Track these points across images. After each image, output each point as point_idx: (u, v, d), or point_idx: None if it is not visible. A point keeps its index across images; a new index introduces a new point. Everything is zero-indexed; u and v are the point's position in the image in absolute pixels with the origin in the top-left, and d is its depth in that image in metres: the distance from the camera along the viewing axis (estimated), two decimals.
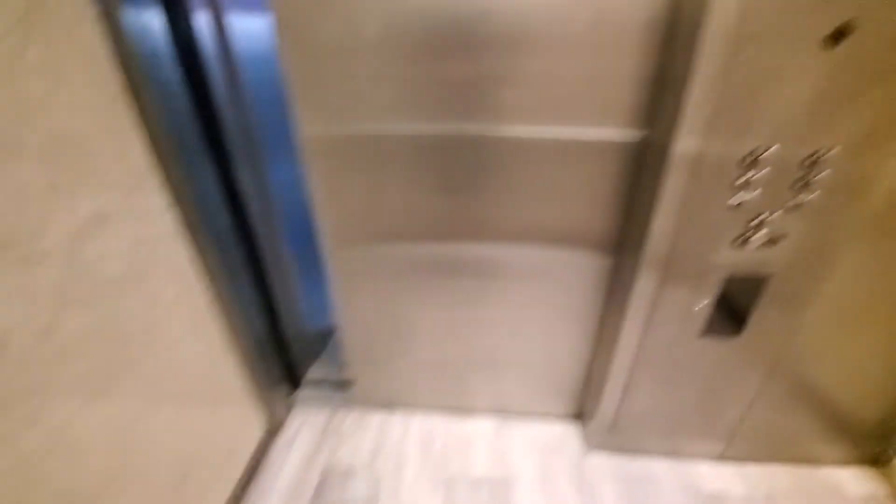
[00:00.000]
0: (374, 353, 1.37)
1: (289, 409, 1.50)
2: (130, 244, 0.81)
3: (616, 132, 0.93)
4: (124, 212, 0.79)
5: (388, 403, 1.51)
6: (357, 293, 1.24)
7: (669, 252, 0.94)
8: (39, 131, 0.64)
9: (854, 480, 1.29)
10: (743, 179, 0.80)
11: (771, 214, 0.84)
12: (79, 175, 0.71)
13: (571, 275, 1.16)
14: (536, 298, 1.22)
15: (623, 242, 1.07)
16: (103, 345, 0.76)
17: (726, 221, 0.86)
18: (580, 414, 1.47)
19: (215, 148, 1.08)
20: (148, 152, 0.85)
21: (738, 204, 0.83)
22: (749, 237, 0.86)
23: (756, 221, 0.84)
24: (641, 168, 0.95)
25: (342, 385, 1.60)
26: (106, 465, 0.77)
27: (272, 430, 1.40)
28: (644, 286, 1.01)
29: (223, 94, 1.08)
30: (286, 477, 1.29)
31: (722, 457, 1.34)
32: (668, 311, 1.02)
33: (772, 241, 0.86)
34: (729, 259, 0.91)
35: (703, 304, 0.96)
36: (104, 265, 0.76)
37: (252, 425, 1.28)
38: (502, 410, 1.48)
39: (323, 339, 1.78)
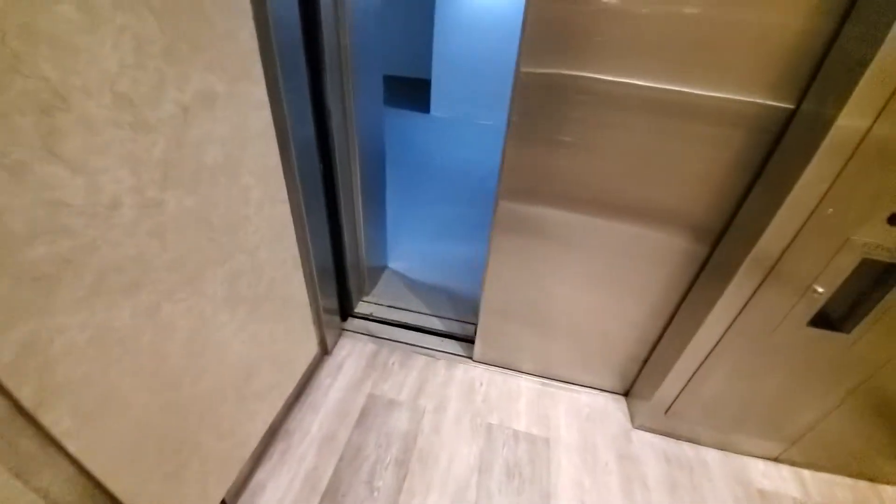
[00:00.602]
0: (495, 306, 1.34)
1: (338, 336, 1.52)
2: (230, 133, 0.78)
3: (760, 99, 0.82)
4: (229, 97, 0.76)
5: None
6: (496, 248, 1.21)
7: (794, 236, 0.84)
8: None
9: None
10: None
11: None
12: (193, 45, 0.67)
13: (657, 257, 1.09)
14: (612, 273, 1.15)
15: (729, 227, 0.98)
16: (197, 233, 0.75)
17: (891, 191, 0.76)
18: (628, 392, 1.43)
19: (311, 62, 1.04)
20: (255, 40, 0.81)
21: None
22: None
23: None
24: (778, 145, 0.85)
25: (387, 322, 1.61)
26: (185, 356, 0.78)
27: (323, 353, 1.43)
28: (744, 281, 0.93)
29: (329, 15, 1.04)
30: (333, 397, 1.32)
31: (778, 459, 1.27)
32: (773, 297, 0.93)
33: None
34: (874, 238, 0.80)
35: (823, 289, 0.86)
36: (205, 150, 0.74)
37: (308, 343, 1.30)
38: (548, 375, 1.45)
39: (374, 277, 1.78)
